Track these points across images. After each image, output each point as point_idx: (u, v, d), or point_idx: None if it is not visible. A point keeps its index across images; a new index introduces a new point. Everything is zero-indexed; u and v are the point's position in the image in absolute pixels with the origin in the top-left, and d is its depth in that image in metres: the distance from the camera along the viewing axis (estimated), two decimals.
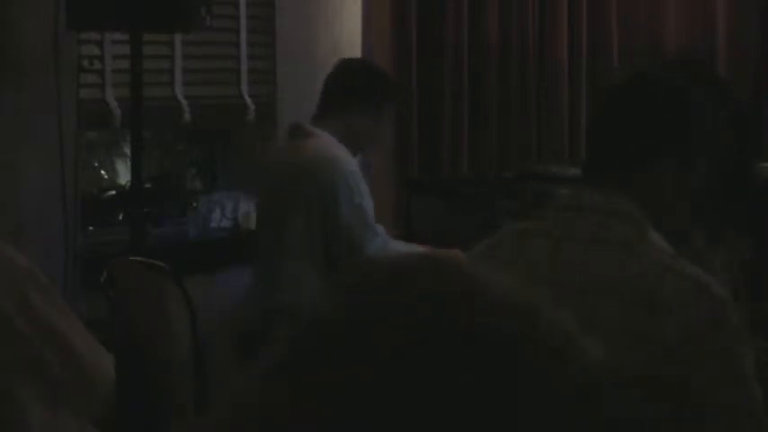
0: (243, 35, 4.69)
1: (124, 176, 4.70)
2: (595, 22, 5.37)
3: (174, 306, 2.98)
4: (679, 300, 1.74)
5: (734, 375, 1.76)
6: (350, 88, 3.78)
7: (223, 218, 4.66)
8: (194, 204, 4.76)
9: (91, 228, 4.43)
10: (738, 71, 5.07)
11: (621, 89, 1.94)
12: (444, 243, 4.02)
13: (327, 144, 3.69)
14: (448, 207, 4.42)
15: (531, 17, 5.26)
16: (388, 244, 3.74)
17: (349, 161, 3.68)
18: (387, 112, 3.85)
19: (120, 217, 4.57)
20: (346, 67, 3.89)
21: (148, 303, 3.07)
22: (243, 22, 4.69)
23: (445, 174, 5.00)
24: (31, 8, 3.98)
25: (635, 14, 5.38)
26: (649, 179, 1.87)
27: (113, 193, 4.70)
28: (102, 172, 4.83)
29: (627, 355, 1.73)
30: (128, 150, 4.24)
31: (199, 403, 2.90)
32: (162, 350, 2.95)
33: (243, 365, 3.78)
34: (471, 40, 5.09)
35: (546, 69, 5.32)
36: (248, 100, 4.70)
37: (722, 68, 5.07)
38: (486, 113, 5.15)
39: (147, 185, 4.30)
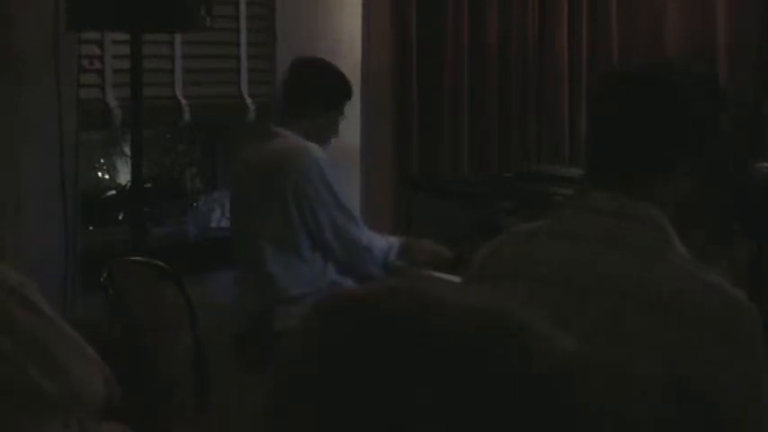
0: (243, 35, 4.69)
1: (124, 176, 4.70)
2: (595, 22, 5.36)
3: (174, 306, 2.98)
4: (700, 306, 1.72)
5: (758, 380, 1.74)
6: (308, 89, 3.90)
7: (223, 218, 4.66)
8: (194, 204, 4.76)
9: (91, 228, 4.43)
10: (738, 71, 5.06)
11: (622, 90, 1.93)
12: (444, 243, 4.03)
13: (293, 140, 3.82)
14: (448, 207, 4.41)
15: (531, 17, 5.25)
16: (364, 229, 3.86)
17: (317, 150, 3.79)
18: (342, 108, 3.98)
19: (120, 217, 4.57)
20: (301, 68, 3.99)
21: (148, 303, 3.07)
22: (243, 22, 4.69)
23: (445, 174, 4.99)
24: (31, 8, 3.98)
25: (635, 14, 5.37)
26: (649, 180, 1.86)
27: (113, 193, 4.69)
28: (102, 172, 4.82)
29: (638, 356, 1.72)
30: (128, 150, 4.24)
31: (199, 403, 2.89)
32: (162, 350, 2.95)
33: (242, 365, 3.78)
34: (471, 40, 5.09)
35: (546, 69, 5.32)
36: (248, 100, 4.70)
37: (722, 68, 5.07)
38: (487, 113, 5.15)
39: (147, 185, 4.30)
